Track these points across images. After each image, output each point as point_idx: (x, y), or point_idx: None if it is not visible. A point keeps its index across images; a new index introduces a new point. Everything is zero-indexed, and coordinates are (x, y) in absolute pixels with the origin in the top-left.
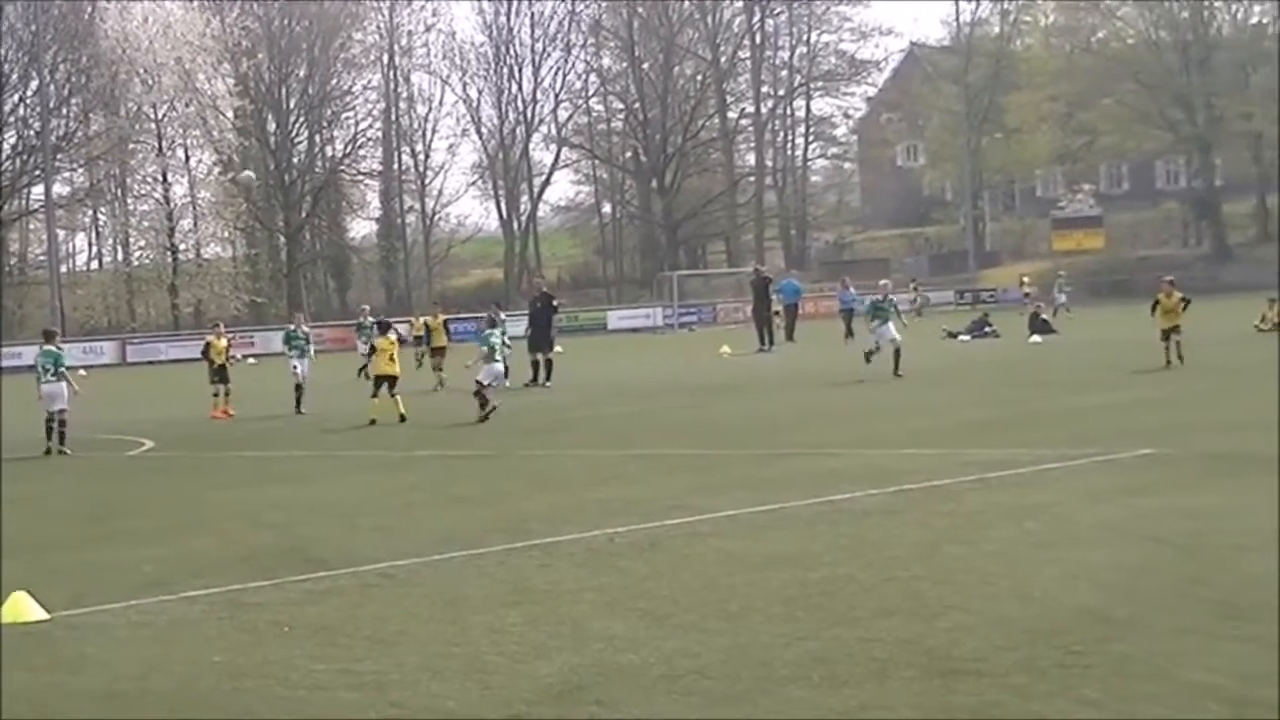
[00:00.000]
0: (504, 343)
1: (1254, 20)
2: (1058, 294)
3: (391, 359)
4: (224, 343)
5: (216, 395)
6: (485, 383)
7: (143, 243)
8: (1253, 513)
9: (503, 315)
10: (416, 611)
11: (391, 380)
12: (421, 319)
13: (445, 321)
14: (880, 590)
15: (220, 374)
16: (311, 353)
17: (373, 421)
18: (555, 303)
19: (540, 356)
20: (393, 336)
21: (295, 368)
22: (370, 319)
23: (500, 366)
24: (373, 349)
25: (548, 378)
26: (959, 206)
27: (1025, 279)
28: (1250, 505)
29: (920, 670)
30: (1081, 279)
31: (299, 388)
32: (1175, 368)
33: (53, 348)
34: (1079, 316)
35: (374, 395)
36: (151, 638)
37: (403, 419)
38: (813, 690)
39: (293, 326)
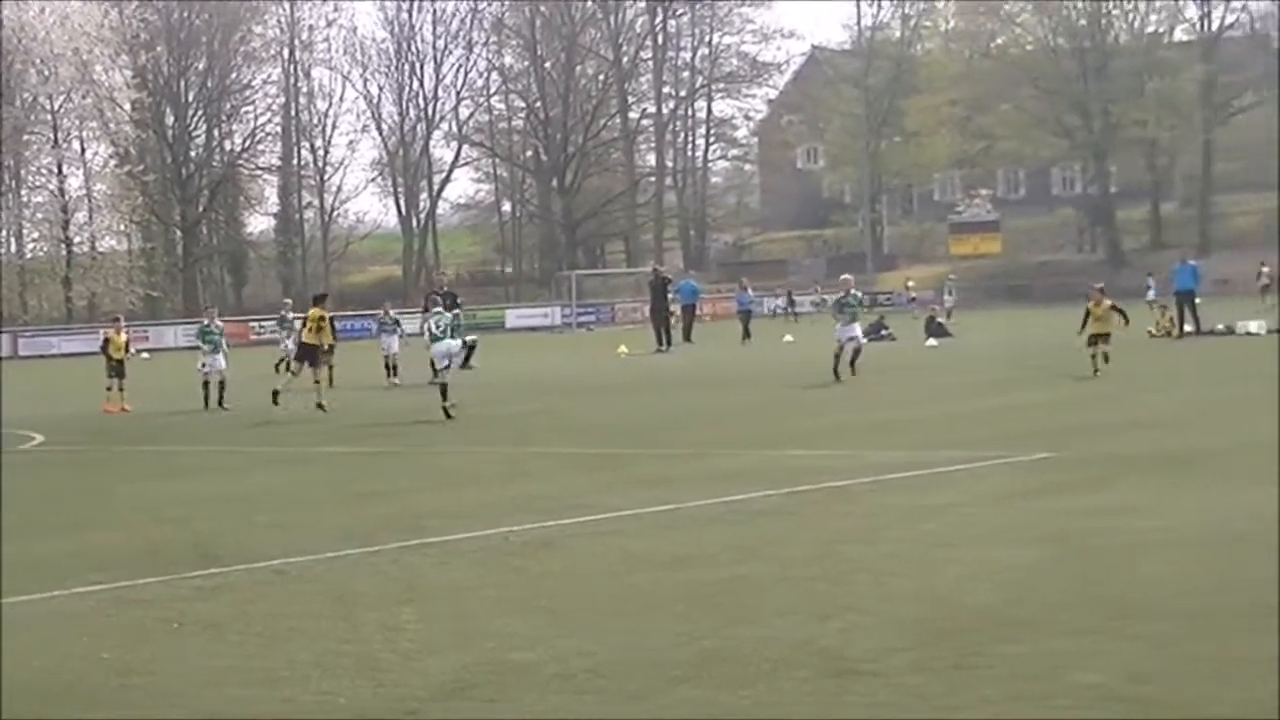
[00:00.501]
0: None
1: (1150, 29)
2: (946, 297)
3: (319, 329)
4: (124, 338)
5: (110, 389)
6: (439, 366)
7: (36, 235)
8: (1146, 513)
9: (393, 314)
10: (309, 608)
11: (313, 351)
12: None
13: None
14: (776, 590)
15: (118, 369)
16: (225, 347)
17: (275, 395)
18: (458, 300)
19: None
20: (325, 308)
21: (203, 365)
22: (291, 313)
23: (446, 345)
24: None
25: (465, 363)
26: (858, 209)
27: (910, 283)
28: (1144, 506)
29: (814, 670)
30: (979, 283)
31: (207, 384)
32: (1098, 374)
33: None
34: (972, 320)
35: (288, 369)
36: (39, 633)
37: (320, 407)
38: (708, 689)
39: (206, 321)
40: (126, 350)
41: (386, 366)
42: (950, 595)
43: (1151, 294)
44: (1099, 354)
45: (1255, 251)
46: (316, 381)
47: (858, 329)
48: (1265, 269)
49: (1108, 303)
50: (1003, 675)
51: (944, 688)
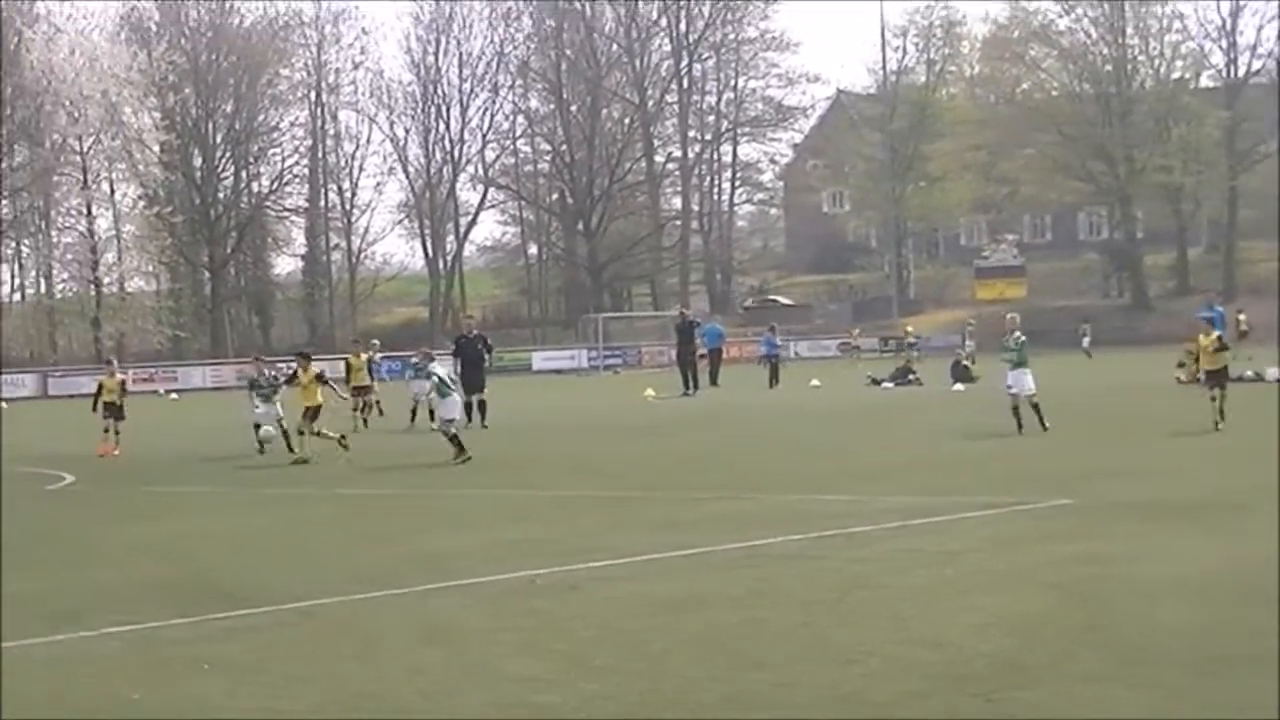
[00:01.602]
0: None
1: (1175, 75)
2: (967, 342)
3: (312, 391)
4: (117, 379)
5: (107, 431)
6: (450, 418)
7: (66, 275)
8: (1157, 561)
9: (434, 356)
10: (335, 650)
11: (313, 411)
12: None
13: (369, 359)
14: (796, 635)
15: (112, 411)
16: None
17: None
18: (489, 343)
19: (475, 397)
20: (315, 369)
21: (258, 408)
22: (379, 355)
23: (457, 398)
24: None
25: (483, 418)
26: (883, 254)
27: (909, 329)
28: (1155, 554)
29: (836, 715)
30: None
31: (258, 427)
32: (1219, 428)
33: None
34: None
35: (300, 431)
36: (67, 673)
37: (304, 460)
38: None
39: (256, 375)
40: (122, 392)
41: (413, 411)
42: (967, 641)
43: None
44: (1218, 402)
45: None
46: (300, 433)
47: (1025, 376)
48: (1242, 315)
49: (1216, 334)
50: None
51: None
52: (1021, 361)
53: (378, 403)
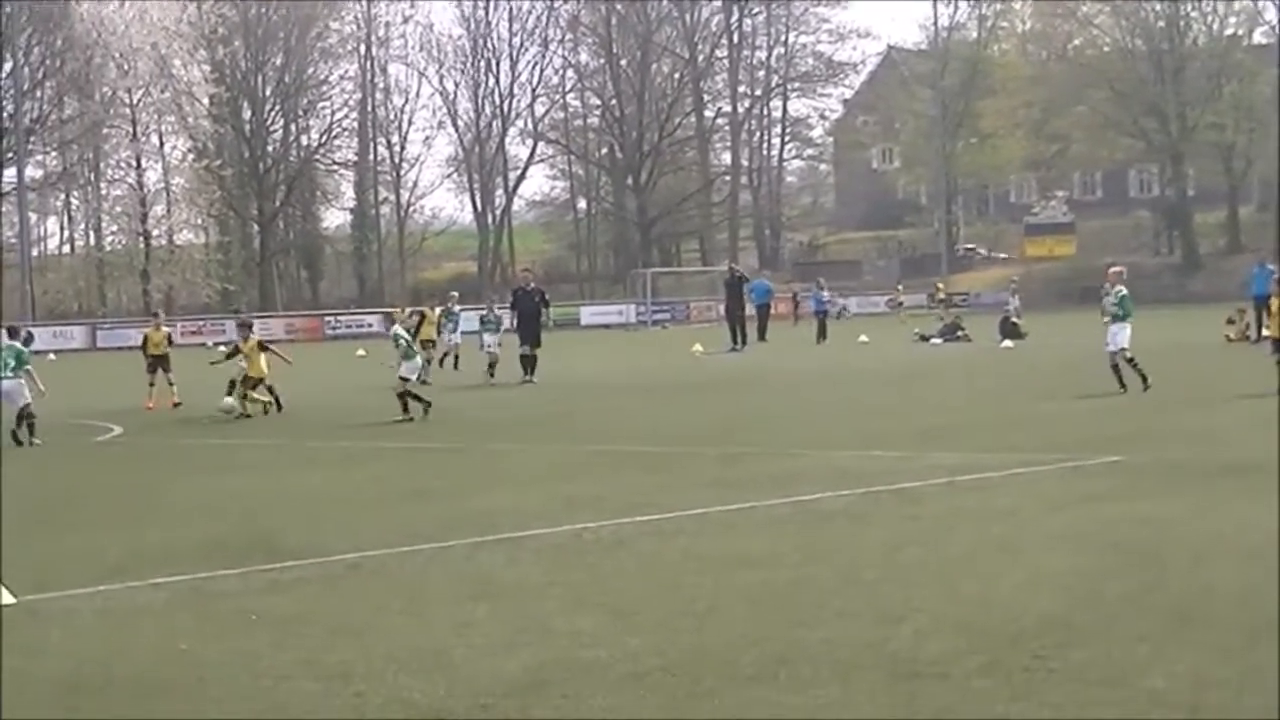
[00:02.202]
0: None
1: (1229, 31)
2: (1011, 299)
3: (256, 361)
4: (162, 333)
5: (152, 385)
6: (409, 378)
7: (115, 228)
8: (1211, 521)
9: (457, 308)
10: (383, 603)
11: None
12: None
13: (441, 313)
14: (845, 592)
15: (158, 364)
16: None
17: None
18: (546, 296)
19: (528, 350)
20: (255, 339)
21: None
22: (457, 306)
23: (419, 361)
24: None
25: (531, 372)
26: (933, 210)
27: (940, 285)
28: (1209, 514)
29: (884, 673)
30: (1050, 285)
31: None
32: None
33: (15, 344)
34: (1044, 322)
35: (243, 395)
36: (116, 625)
37: (264, 411)
38: (777, 690)
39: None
40: (169, 345)
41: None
42: (1016, 600)
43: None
44: None
45: None
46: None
47: (1117, 331)
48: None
49: None
50: (1069, 680)
51: (1012, 692)
52: (1123, 315)
53: (456, 357)
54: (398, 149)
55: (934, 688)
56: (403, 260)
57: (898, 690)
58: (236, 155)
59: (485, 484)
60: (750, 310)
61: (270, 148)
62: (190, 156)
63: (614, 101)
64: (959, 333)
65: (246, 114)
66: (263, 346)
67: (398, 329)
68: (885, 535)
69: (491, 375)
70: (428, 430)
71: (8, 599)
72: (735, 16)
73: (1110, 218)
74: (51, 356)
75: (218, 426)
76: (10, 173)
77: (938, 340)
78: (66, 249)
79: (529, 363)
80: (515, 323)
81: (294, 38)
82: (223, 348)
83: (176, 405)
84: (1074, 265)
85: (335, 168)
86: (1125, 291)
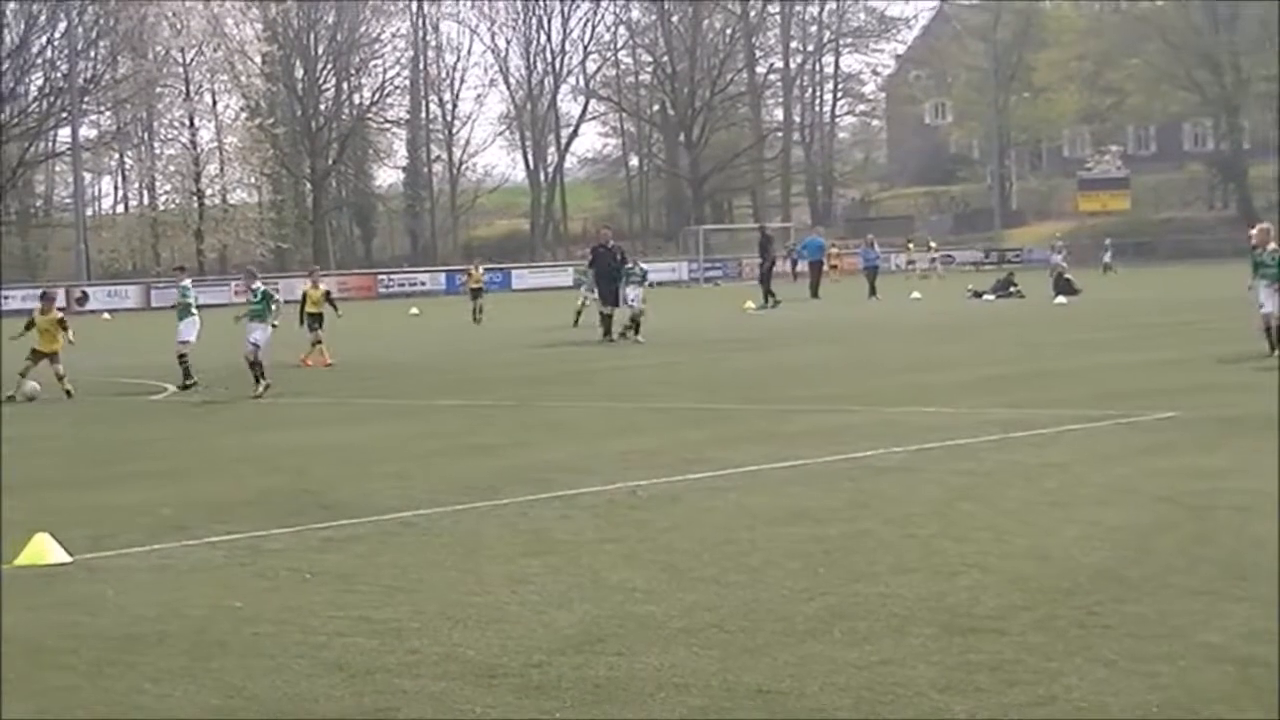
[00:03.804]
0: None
1: None
2: (1054, 256)
3: (50, 335)
4: (320, 290)
5: (316, 344)
6: (259, 344)
7: (168, 187)
8: (1263, 476)
9: (258, 283)
10: (436, 560)
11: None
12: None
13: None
14: (899, 547)
15: (312, 321)
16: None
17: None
18: (625, 255)
19: (610, 309)
20: (57, 314)
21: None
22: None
23: (269, 329)
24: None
25: (607, 332)
26: (985, 165)
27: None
28: (1261, 468)
29: (940, 628)
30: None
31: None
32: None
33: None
34: (1099, 278)
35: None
36: (171, 582)
37: (69, 394)
38: (832, 645)
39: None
40: (329, 302)
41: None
42: (1070, 554)
43: None
44: None
45: None
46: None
47: (1265, 295)
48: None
49: None
50: (1123, 634)
51: (1067, 647)
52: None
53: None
54: (450, 107)
55: (989, 642)
56: (455, 218)
57: (953, 644)
58: (289, 114)
59: (537, 440)
60: (802, 267)
61: (323, 106)
62: (243, 115)
63: (666, 58)
64: (1012, 288)
65: (299, 72)
66: (62, 325)
67: (258, 285)
68: (938, 490)
69: (637, 332)
70: (478, 387)
71: (62, 556)
72: None
73: (1165, 172)
74: (106, 315)
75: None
76: (65, 133)
77: (990, 296)
78: (121, 209)
79: (609, 322)
80: (594, 280)
81: None
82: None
83: (329, 365)
84: (1128, 220)
85: (387, 126)
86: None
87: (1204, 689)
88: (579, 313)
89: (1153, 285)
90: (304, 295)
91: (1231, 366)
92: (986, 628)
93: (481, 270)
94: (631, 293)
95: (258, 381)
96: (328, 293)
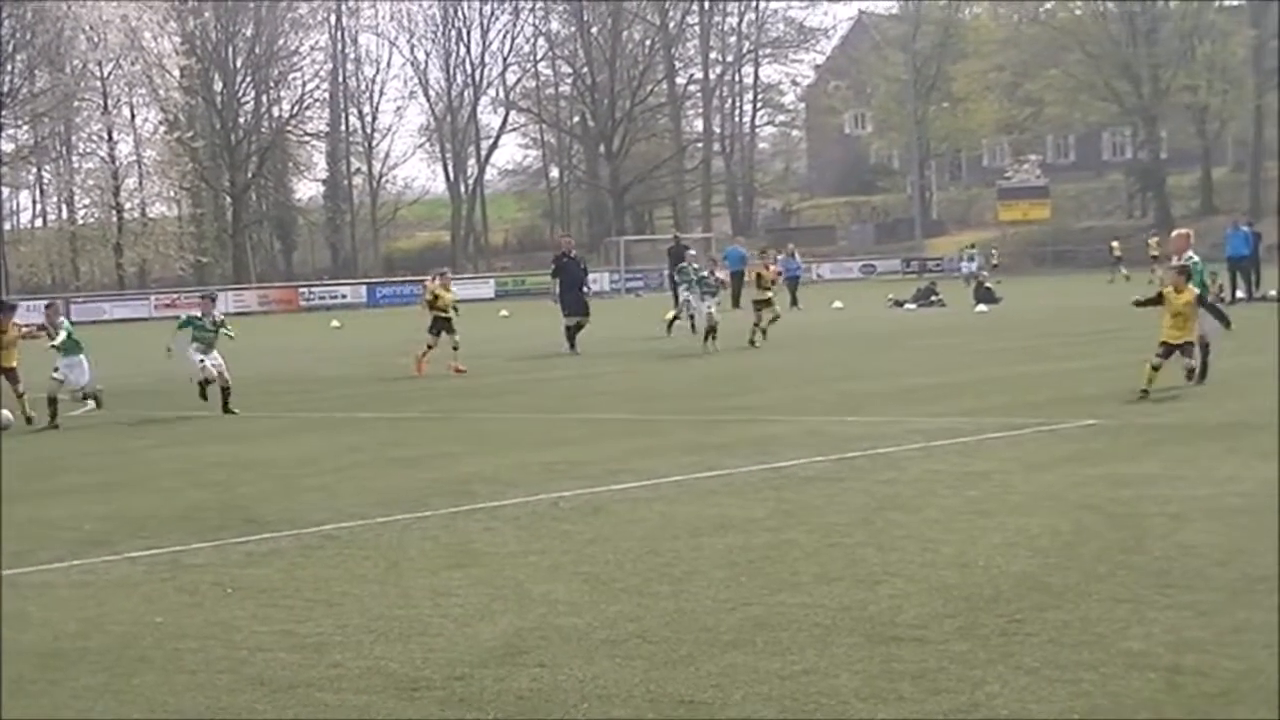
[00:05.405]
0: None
1: None
2: (964, 264)
3: (10, 353)
4: (452, 294)
5: (431, 347)
6: (69, 382)
7: (87, 201)
8: (1189, 482)
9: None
10: (359, 573)
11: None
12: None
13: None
14: (823, 556)
15: (441, 326)
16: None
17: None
18: (585, 265)
19: (576, 320)
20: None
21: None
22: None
23: (84, 361)
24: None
25: (572, 345)
26: (906, 175)
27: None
28: (1187, 475)
29: (863, 637)
30: (1025, 249)
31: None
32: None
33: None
34: (1019, 286)
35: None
36: (93, 597)
37: (29, 420)
38: (755, 655)
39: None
40: (454, 306)
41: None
42: (994, 562)
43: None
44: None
45: None
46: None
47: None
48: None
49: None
50: (1046, 642)
51: (990, 655)
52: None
53: (692, 317)
54: (369, 119)
55: (912, 651)
56: (375, 230)
57: (876, 653)
58: (208, 127)
59: (461, 451)
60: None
61: (242, 119)
62: (162, 129)
63: (585, 69)
64: (933, 298)
65: (218, 85)
66: (29, 335)
67: (63, 321)
68: (862, 499)
69: (713, 340)
70: (404, 398)
71: None
72: None
73: (1084, 181)
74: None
75: (193, 397)
76: None
77: (912, 306)
78: (39, 223)
79: (573, 335)
80: (557, 291)
81: (264, 8)
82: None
83: (460, 371)
84: (1048, 229)
85: (307, 139)
86: (1196, 258)
87: (1127, 696)
88: (674, 319)
89: (1071, 294)
90: (433, 297)
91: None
92: (909, 636)
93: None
94: (707, 303)
95: (52, 420)
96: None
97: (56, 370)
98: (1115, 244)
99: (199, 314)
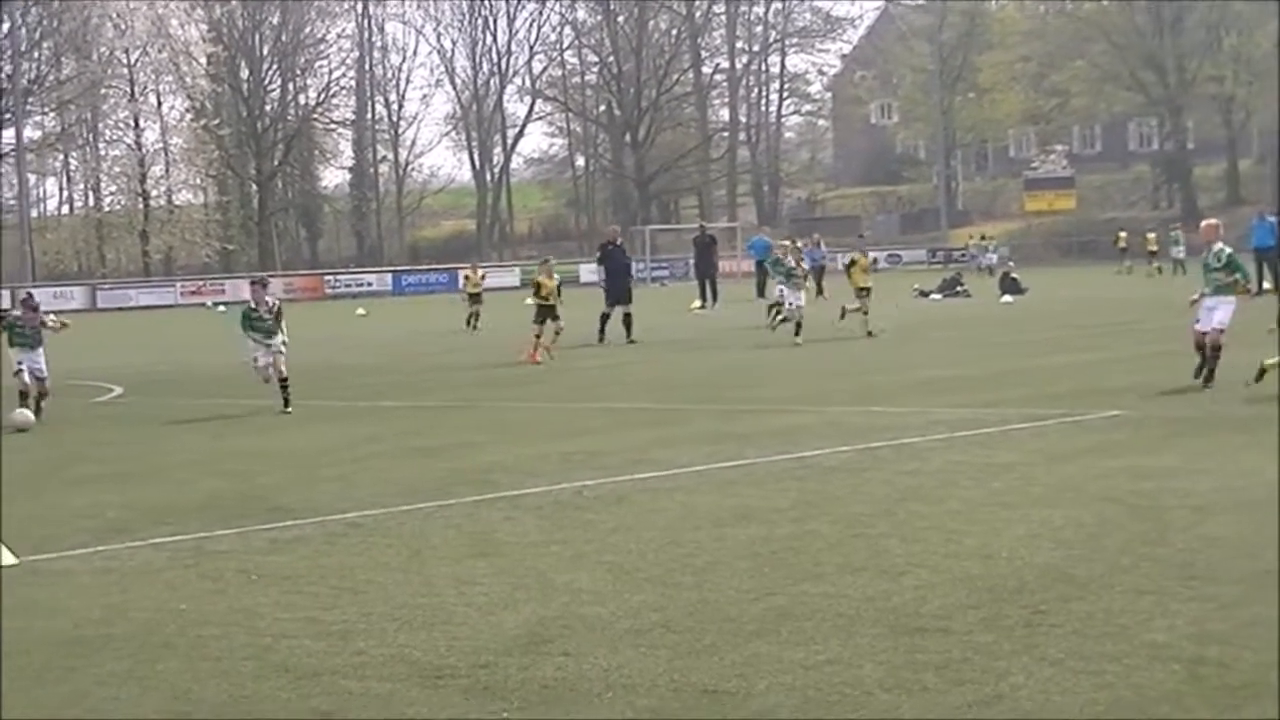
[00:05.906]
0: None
1: None
2: (982, 256)
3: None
4: (554, 281)
5: (539, 337)
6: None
7: (114, 188)
8: (1212, 475)
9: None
10: (382, 561)
11: None
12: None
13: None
14: (846, 547)
15: (545, 314)
16: None
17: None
18: (628, 254)
19: (621, 309)
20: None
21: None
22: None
23: (42, 355)
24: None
25: (629, 333)
26: (931, 165)
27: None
28: (1210, 468)
29: (886, 627)
30: (1050, 239)
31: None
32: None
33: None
34: (1044, 277)
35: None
36: (116, 584)
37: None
38: (779, 645)
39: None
40: (558, 293)
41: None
42: (1017, 554)
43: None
44: None
45: None
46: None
47: (1215, 305)
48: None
49: None
50: (1070, 634)
51: (1013, 646)
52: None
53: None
54: (395, 107)
55: (936, 642)
56: (401, 218)
57: (900, 644)
58: (234, 114)
59: (483, 441)
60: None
61: (268, 107)
62: (188, 116)
63: (612, 58)
64: (958, 288)
65: (244, 73)
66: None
67: (50, 317)
68: (886, 490)
69: (797, 335)
70: (425, 387)
71: (9, 560)
72: None
73: (1110, 172)
74: (52, 317)
75: (217, 385)
76: (9, 134)
77: (937, 296)
78: (66, 210)
79: (627, 321)
80: (603, 280)
81: None
82: None
83: (536, 362)
84: (1073, 220)
85: (333, 126)
86: (1229, 251)
87: (1150, 688)
88: (776, 313)
89: (1098, 285)
90: (537, 285)
91: (1171, 366)
92: (933, 627)
93: (482, 274)
94: (793, 296)
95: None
96: (560, 283)
97: (20, 366)
98: (1122, 235)
99: (252, 303)
